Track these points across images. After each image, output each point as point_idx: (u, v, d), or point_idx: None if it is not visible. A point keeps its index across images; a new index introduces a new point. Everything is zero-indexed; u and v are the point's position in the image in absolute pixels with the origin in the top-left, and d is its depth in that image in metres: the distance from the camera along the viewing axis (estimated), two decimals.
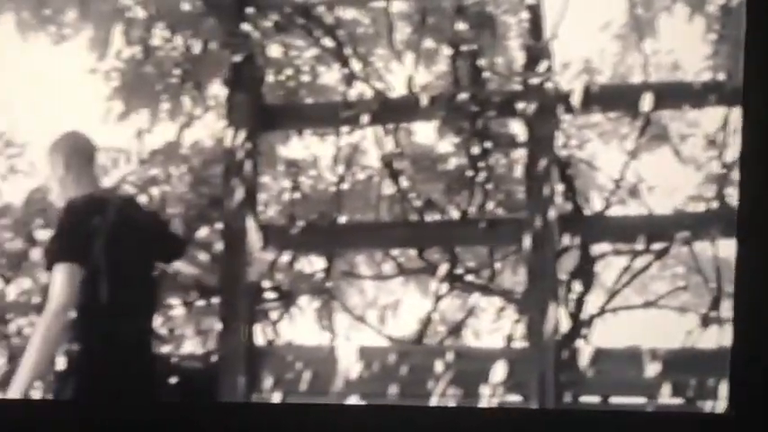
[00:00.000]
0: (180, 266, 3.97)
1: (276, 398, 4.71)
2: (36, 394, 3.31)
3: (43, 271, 4.96)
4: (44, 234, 5.10)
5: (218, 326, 5.05)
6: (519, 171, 6.09)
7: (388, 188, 6.31)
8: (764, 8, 2.60)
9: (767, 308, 2.52)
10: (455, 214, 6.00)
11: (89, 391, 3.21)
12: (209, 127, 5.92)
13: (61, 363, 3.21)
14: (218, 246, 5.54)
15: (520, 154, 5.77)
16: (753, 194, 2.54)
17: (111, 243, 3.28)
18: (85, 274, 3.21)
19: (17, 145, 5.36)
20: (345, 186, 6.38)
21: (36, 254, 4.99)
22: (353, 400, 4.60)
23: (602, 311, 5.11)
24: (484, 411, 3.71)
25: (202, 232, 5.80)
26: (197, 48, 5.51)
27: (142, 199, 5.28)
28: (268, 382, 4.78)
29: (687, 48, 5.10)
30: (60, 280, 3.22)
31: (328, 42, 5.68)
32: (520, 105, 4.71)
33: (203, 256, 4.23)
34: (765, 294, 2.52)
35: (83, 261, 3.21)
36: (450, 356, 4.56)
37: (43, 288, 4.96)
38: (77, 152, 3.60)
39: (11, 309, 4.97)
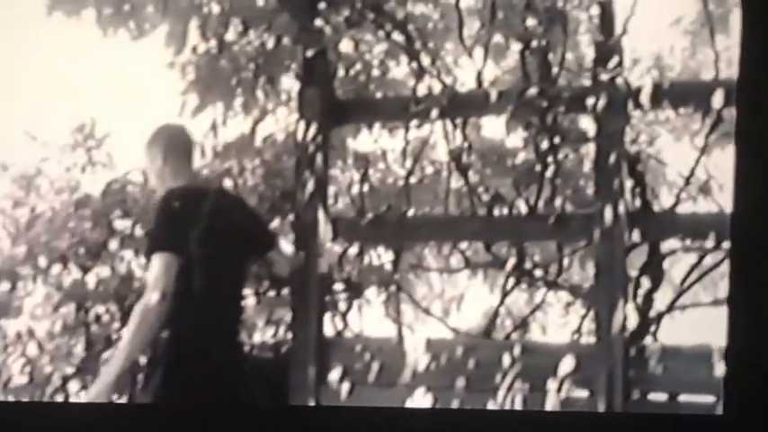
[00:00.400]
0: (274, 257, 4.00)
1: (344, 389, 4.74)
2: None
3: (121, 260, 5.13)
4: (122, 224, 5.22)
5: (289, 316, 5.10)
6: (588, 166, 6.07)
7: (457, 182, 6.33)
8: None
9: (763, 309, 2.49)
10: (523, 209, 6.01)
11: (174, 383, 3.25)
12: (282, 121, 6.01)
13: (150, 352, 3.26)
14: (290, 237, 5.62)
15: (589, 149, 5.76)
16: (747, 199, 2.51)
17: (207, 234, 3.32)
18: (181, 263, 3.25)
19: (96, 138, 5.48)
20: (414, 180, 6.41)
21: (114, 244, 5.11)
22: (420, 392, 4.61)
23: (671, 308, 5.08)
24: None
25: (274, 224, 5.89)
26: (270, 43, 5.58)
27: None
28: (336, 372, 4.80)
29: None
30: (158, 269, 3.25)
31: (398, 37, 5.70)
32: (589, 101, 4.69)
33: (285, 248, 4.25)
34: (760, 296, 2.49)
35: (180, 251, 3.24)
36: (517, 351, 4.54)
37: (122, 277, 5.11)
38: (175, 144, 3.64)
39: (90, 297, 5.09)
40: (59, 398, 5.02)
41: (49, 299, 5.14)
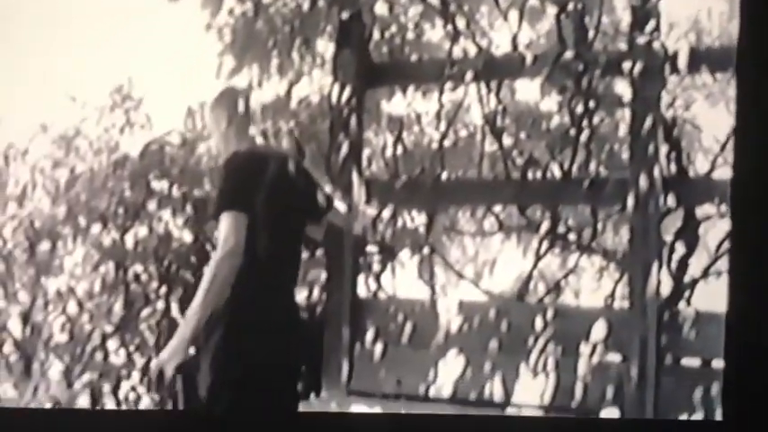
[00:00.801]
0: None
1: (378, 349, 4.78)
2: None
3: (159, 221, 5.19)
4: (160, 185, 5.26)
5: (323, 277, 5.14)
6: (623, 131, 6.04)
7: (491, 145, 6.31)
8: None
9: (762, 313, 2.48)
10: (557, 173, 5.99)
11: (234, 342, 3.30)
12: (317, 83, 6.01)
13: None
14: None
15: (624, 114, 5.73)
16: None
17: (271, 197, 3.36)
18: (248, 223, 3.30)
19: (134, 99, 5.51)
20: (448, 143, 6.40)
21: (152, 204, 5.16)
22: (453, 353, 4.64)
23: (706, 274, 5.06)
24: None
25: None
26: (306, 5, 5.57)
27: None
28: (370, 333, 4.84)
29: None
30: (227, 227, 3.27)
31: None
32: (625, 65, 4.66)
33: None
34: (758, 302, 2.48)
35: (247, 210, 3.29)
36: (549, 314, 4.56)
37: (160, 237, 5.16)
38: (239, 109, 3.67)
39: (129, 257, 5.15)
40: (99, 355, 5.09)
41: (89, 258, 5.20)
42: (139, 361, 5.17)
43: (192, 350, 3.27)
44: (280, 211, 3.42)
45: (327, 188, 4.08)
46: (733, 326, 2.48)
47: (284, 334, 3.46)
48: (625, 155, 5.65)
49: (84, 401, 4.84)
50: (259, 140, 5.56)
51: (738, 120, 2.51)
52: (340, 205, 3.97)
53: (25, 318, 5.08)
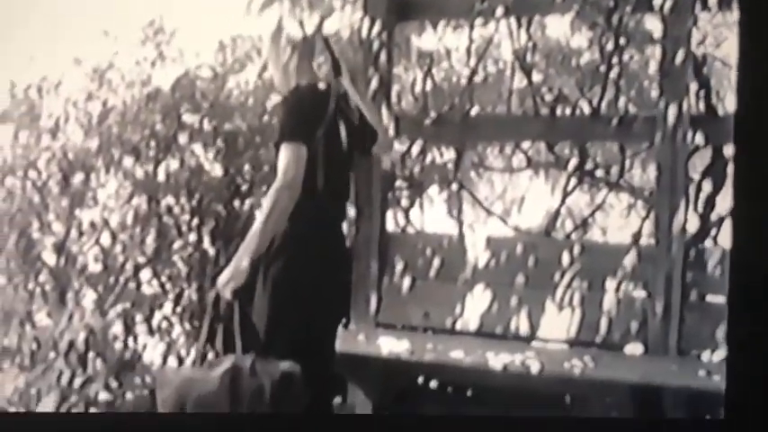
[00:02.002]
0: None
1: (405, 283, 4.80)
2: None
3: (191, 154, 5.22)
4: (191, 118, 5.28)
5: (353, 212, 5.16)
6: (653, 68, 5.99)
7: (520, 82, 6.29)
8: None
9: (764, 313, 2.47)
10: (586, 109, 5.96)
11: (291, 274, 3.34)
12: (347, 18, 5.97)
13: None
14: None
15: (654, 51, 5.67)
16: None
17: (328, 131, 3.39)
18: (308, 156, 3.33)
19: (166, 32, 5.51)
20: (477, 79, 6.37)
21: (183, 137, 5.18)
22: (480, 288, 4.66)
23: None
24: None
25: None
26: None
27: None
28: (398, 267, 4.87)
29: None
30: (287, 157, 3.30)
31: None
32: (656, 1, 4.59)
33: None
34: (761, 300, 2.47)
35: (308, 142, 3.32)
36: (576, 250, 4.55)
37: (191, 170, 5.20)
38: (300, 44, 3.66)
39: (161, 189, 5.19)
40: (132, 285, 5.17)
41: (122, 190, 5.26)
42: (172, 291, 5.25)
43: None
44: (337, 146, 3.45)
45: (378, 119, 4.08)
46: (736, 263, 2.48)
47: (337, 269, 3.51)
48: (654, 92, 5.61)
49: (117, 330, 4.91)
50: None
51: (741, 55, 2.47)
52: (385, 134, 3.97)
53: (60, 248, 5.16)
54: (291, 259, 3.38)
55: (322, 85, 3.57)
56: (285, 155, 3.32)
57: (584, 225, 6.67)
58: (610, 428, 3.46)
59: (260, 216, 3.33)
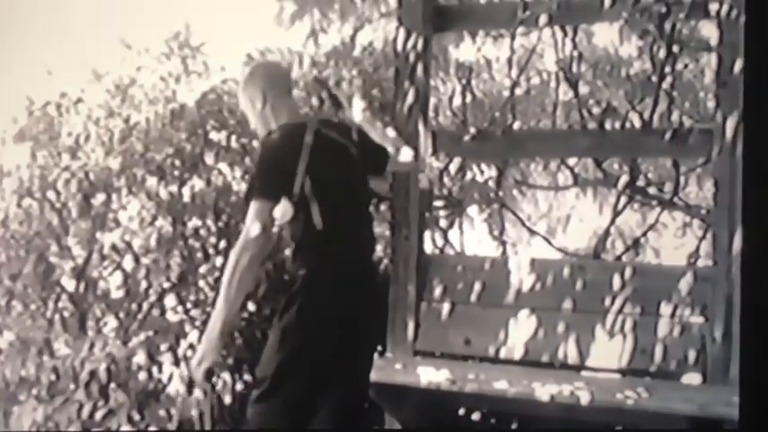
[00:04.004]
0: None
1: (445, 308, 4.76)
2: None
3: (219, 174, 5.22)
4: (218, 136, 5.28)
5: (388, 232, 5.13)
6: (709, 77, 5.92)
7: (565, 94, 6.27)
8: None
9: None
10: (637, 123, 5.91)
11: (308, 315, 3.36)
12: (381, 29, 5.98)
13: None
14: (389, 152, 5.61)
15: (710, 59, 5.61)
16: None
17: (315, 168, 3.39)
18: (293, 206, 3.35)
19: (191, 46, 5.52)
20: (519, 91, 6.35)
21: (210, 156, 5.18)
22: (524, 313, 4.61)
23: None
24: None
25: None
26: None
27: (315, 102, 5.39)
28: (437, 291, 4.82)
29: None
30: (250, 216, 3.38)
31: None
32: (712, 6, 4.53)
33: None
34: None
35: (276, 198, 3.35)
36: (628, 272, 4.48)
37: (218, 190, 5.19)
38: (274, 83, 3.68)
39: (186, 210, 5.18)
40: (156, 312, 5.16)
41: (145, 212, 5.24)
42: (198, 318, 5.23)
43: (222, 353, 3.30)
44: (331, 176, 3.45)
45: (388, 136, 4.06)
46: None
47: (359, 300, 3.50)
48: (710, 103, 5.54)
49: (140, 359, 4.90)
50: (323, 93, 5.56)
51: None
52: (404, 152, 3.95)
53: (80, 273, 5.14)
54: (304, 305, 3.40)
55: (298, 122, 3.57)
56: (250, 213, 3.38)
57: (635, 246, 6.61)
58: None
59: (222, 285, 3.34)
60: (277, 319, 3.43)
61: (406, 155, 4.04)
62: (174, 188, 5.26)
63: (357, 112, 4.10)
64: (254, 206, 3.39)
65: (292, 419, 3.38)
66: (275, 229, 3.58)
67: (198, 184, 5.30)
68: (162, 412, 4.73)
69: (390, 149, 3.95)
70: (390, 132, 4.13)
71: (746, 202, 2.59)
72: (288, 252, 3.75)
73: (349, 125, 3.82)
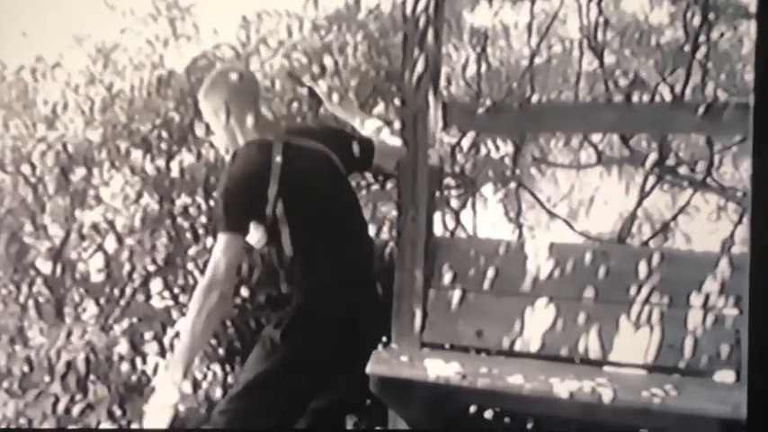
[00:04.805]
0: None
1: (455, 295, 4.75)
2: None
3: (210, 146, 5.20)
4: None
5: (394, 213, 5.12)
6: (747, 47, 5.90)
7: (590, 64, 6.23)
8: None
9: None
10: (668, 96, 5.89)
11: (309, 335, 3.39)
12: None
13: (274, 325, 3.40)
14: (395, 125, 5.61)
15: (749, 27, 5.58)
16: None
17: (289, 188, 3.41)
18: (266, 231, 3.37)
19: (180, 7, 5.51)
20: (539, 60, 6.33)
21: (201, 127, 5.15)
22: (542, 302, 4.57)
23: None
24: None
25: (377, 110, 5.87)
26: None
27: (315, 70, 5.36)
28: (447, 277, 4.80)
29: None
30: (218, 251, 3.41)
31: None
32: None
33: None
34: None
35: (245, 230, 3.37)
36: (656, 259, 4.43)
37: (209, 165, 5.17)
38: (238, 94, 3.64)
39: (175, 186, 5.17)
40: (140, 297, 5.16)
41: (129, 188, 5.24)
42: (187, 304, 5.23)
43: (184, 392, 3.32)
44: (309, 192, 3.47)
45: (368, 125, 4.04)
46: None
47: (353, 308, 3.53)
48: (748, 75, 5.52)
49: (122, 349, 4.90)
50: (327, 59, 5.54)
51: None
52: (389, 139, 3.93)
53: (57, 255, 5.14)
54: (305, 325, 3.43)
55: (263, 141, 3.57)
56: (217, 247, 3.40)
57: (664, 230, 6.60)
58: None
59: (186, 325, 3.35)
60: (279, 337, 3.45)
61: (392, 141, 4.03)
62: (161, 162, 5.24)
63: (334, 103, 4.09)
64: (222, 240, 3.39)
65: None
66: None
67: (187, 158, 5.27)
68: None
69: (374, 139, 3.94)
70: (374, 122, 4.12)
71: None
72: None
73: (325, 125, 3.83)
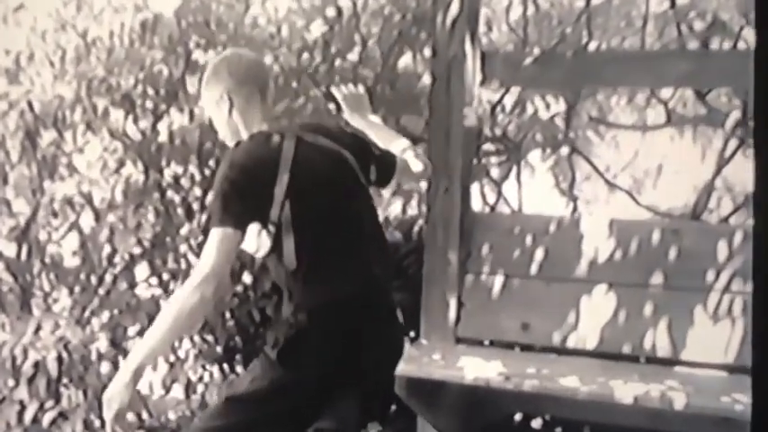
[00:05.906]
0: None
1: (497, 282, 4.74)
2: None
3: (199, 105, 5.17)
4: (204, 55, 5.23)
5: (424, 185, 5.11)
6: None
7: (659, 3, 6.16)
8: None
9: None
10: (753, 42, 5.78)
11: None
12: None
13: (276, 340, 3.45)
14: (425, 80, 5.55)
15: None
16: None
17: (298, 188, 3.41)
18: (270, 238, 3.38)
19: None
20: (597, 1, 6.27)
21: (193, 82, 5.13)
22: (600, 290, 4.58)
23: None
24: None
25: (404, 61, 5.82)
26: None
27: (330, 13, 5.34)
28: (487, 260, 4.79)
29: None
30: (208, 247, 3.41)
31: None
32: None
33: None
34: None
35: (243, 227, 3.39)
36: (738, 238, 4.41)
37: (203, 127, 5.13)
38: (243, 82, 3.63)
39: (163, 152, 5.16)
40: (123, 285, 5.15)
41: (109, 155, 5.21)
42: None
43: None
44: (320, 195, 3.47)
45: (394, 147, 4.02)
46: None
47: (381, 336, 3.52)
48: None
49: (102, 345, 4.90)
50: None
51: None
52: (413, 162, 3.92)
53: (22, 234, 5.13)
54: (311, 341, 3.44)
55: (273, 135, 3.54)
56: (208, 244, 3.38)
57: (747, 204, 6.51)
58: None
59: (162, 317, 3.33)
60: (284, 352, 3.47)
61: (416, 166, 4.00)
62: (146, 124, 5.24)
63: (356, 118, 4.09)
64: (214, 236, 3.38)
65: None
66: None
67: (177, 118, 5.27)
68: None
69: (398, 156, 3.92)
70: (401, 143, 4.10)
71: None
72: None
73: (344, 128, 3.83)
